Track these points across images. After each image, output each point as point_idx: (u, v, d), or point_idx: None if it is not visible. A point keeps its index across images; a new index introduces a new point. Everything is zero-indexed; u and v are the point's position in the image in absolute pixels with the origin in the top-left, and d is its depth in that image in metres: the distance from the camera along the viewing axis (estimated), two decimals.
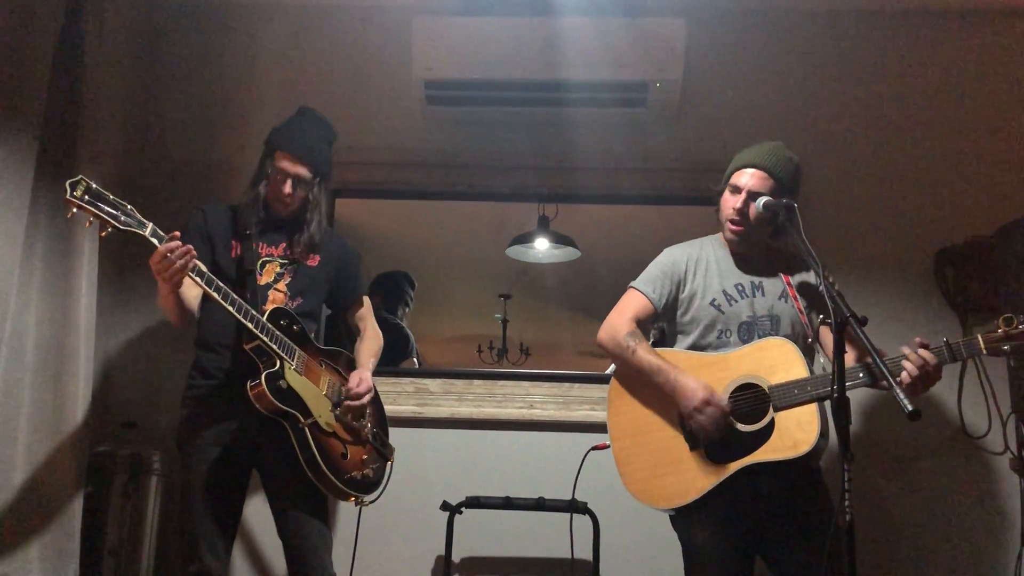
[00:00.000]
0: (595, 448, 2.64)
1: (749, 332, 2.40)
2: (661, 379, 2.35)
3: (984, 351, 2.17)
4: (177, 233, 2.21)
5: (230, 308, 2.28)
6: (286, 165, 2.53)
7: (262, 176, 2.55)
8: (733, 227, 2.44)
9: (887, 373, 1.93)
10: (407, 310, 4.34)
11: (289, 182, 2.53)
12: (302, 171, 2.55)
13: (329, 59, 3.63)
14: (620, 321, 2.47)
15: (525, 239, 4.53)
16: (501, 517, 3.04)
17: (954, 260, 3.26)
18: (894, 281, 3.31)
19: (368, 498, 2.57)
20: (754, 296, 2.43)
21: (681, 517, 2.38)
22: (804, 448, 2.19)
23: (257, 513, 2.73)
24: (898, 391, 1.88)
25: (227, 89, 3.61)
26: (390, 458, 2.70)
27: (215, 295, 2.27)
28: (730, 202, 2.44)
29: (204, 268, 2.29)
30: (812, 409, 2.22)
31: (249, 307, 2.34)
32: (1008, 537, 3.07)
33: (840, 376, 1.92)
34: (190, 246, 2.21)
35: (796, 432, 2.21)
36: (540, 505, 2.90)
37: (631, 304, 2.51)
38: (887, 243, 3.35)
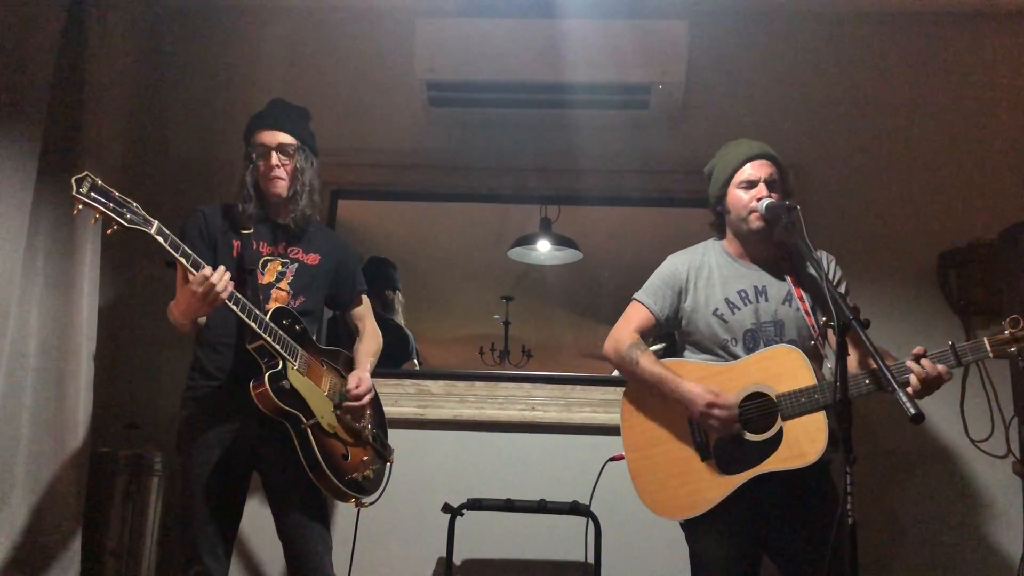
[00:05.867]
0: (612, 459, 2.64)
1: (754, 339, 2.38)
2: (665, 389, 2.35)
3: (991, 354, 2.15)
4: (222, 268, 2.25)
5: (234, 307, 2.28)
6: (266, 138, 2.53)
7: (247, 165, 2.55)
8: (758, 216, 2.38)
9: (890, 376, 1.92)
10: (398, 293, 4.28)
11: (274, 154, 2.52)
12: (283, 138, 2.54)
13: (331, 60, 3.63)
14: (623, 334, 2.47)
15: (527, 241, 4.53)
16: (502, 519, 3.04)
17: (957, 263, 3.26)
18: (897, 284, 3.30)
19: (367, 500, 2.57)
20: (758, 302, 2.41)
21: (691, 524, 2.38)
22: (812, 458, 2.18)
23: (257, 515, 2.73)
24: (900, 394, 1.87)
25: (229, 90, 3.61)
26: (389, 459, 2.70)
27: (241, 315, 2.29)
28: (746, 198, 2.40)
29: (207, 266, 2.29)
30: (820, 418, 2.21)
31: (252, 307, 2.33)
32: (1011, 540, 3.07)
33: (843, 378, 1.91)
34: (228, 276, 2.24)
35: (804, 442, 2.21)
36: (541, 507, 2.90)
37: (634, 316, 2.50)
38: (890, 246, 3.35)
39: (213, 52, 3.65)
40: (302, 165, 2.58)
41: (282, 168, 2.54)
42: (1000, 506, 3.11)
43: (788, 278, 2.44)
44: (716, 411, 2.26)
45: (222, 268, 2.26)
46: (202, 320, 2.49)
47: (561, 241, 4.51)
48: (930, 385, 2.16)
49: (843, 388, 1.91)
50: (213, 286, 2.21)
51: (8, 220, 2.67)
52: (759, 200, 2.37)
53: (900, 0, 3.47)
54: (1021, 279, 2.97)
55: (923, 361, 2.15)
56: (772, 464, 2.23)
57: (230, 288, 2.25)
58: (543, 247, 4.55)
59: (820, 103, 3.50)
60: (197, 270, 2.21)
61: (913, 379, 2.15)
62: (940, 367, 2.15)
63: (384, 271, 4.27)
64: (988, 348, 2.16)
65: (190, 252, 2.23)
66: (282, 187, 2.55)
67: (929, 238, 3.32)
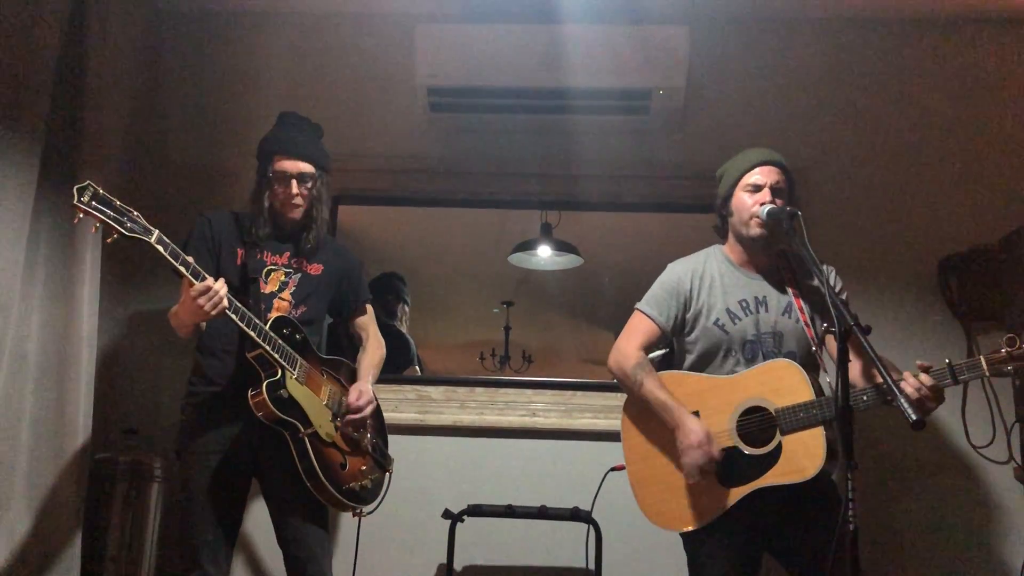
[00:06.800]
0: (613, 469, 2.64)
1: (753, 351, 2.39)
2: (666, 416, 2.35)
3: (987, 372, 2.15)
4: (222, 281, 2.25)
5: (234, 316, 2.28)
6: (287, 166, 2.53)
7: (265, 186, 2.55)
8: (760, 220, 2.38)
9: (891, 383, 1.92)
10: (406, 307, 4.30)
11: (294, 182, 2.53)
12: (304, 167, 2.56)
13: (332, 66, 3.63)
14: (628, 350, 2.46)
15: (527, 246, 4.53)
16: (503, 525, 3.03)
17: (957, 269, 3.25)
18: (897, 290, 3.30)
19: (366, 509, 2.57)
20: (758, 312, 2.41)
21: (689, 534, 2.38)
22: (810, 473, 2.19)
23: (257, 520, 2.73)
24: (902, 400, 1.88)
25: (230, 95, 3.61)
26: (389, 469, 2.69)
27: (239, 321, 2.29)
28: (750, 202, 2.41)
29: (235, 302, 2.30)
30: (818, 433, 2.22)
31: (252, 316, 2.33)
32: (1013, 545, 3.06)
33: (844, 384, 1.91)
34: (224, 289, 2.24)
35: (803, 457, 2.22)
36: (542, 513, 2.89)
37: (639, 329, 2.49)
38: (890, 252, 3.34)
39: (214, 57, 3.65)
40: (319, 190, 2.60)
41: (300, 196, 2.55)
42: (1002, 511, 3.10)
43: (789, 289, 2.44)
44: (697, 452, 2.25)
45: (223, 280, 2.27)
46: (203, 325, 2.50)
47: (561, 246, 4.50)
48: (925, 400, 2.13)
49: (844, 394, 1.91)
50: (215, 295, 2.22)
51: (9, 225, 2.67)
52: (761, 205, 2.38)
53: (901, 6, 3.47)
54: (1022, 284, 2.97)
55: (922, 376, 2.15)
56: (770, 478, 2.24)
57: (226, 302, 2.26)
58: (543, 252, 4.55)
59: (820, 109, 3.50)
60: (197, 279, 2.22)
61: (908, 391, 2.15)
62: (926, 378, 2.15)
63: (392, 284, 4.28)
64: (984, 367, 2.16)
65: (190, 261, 2.23)
66: (299, 212, 2.58)
67: (930, 244, 3.32)
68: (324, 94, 3.57)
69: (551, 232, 4.41)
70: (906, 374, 2.16)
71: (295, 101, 3.38)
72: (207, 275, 2.24)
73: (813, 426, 2.22)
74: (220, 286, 2.24)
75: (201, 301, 2.21)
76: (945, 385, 2.16)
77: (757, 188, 2.41)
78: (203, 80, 3.63)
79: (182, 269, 2.20)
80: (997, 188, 3.36)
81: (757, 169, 2.43)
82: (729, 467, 2.29)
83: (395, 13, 3.60)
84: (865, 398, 2.21)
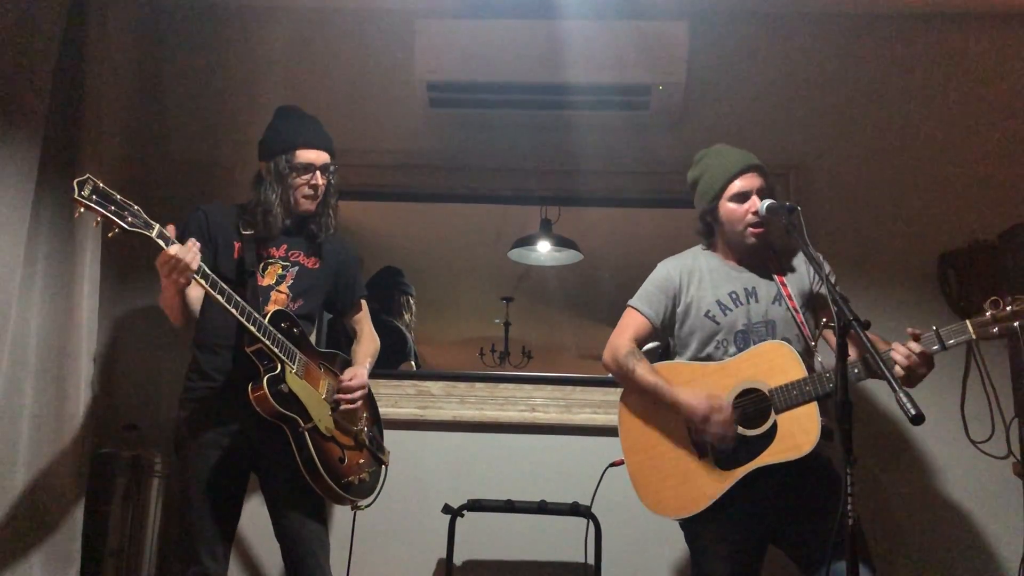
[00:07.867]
0: (612, 465, 2.65)
1: (745, 340, 2.41)
2: (661, 398, 2.38)
3: (973, 336, 2.17)
4: (193, 241, 2.24)
5: (233, 311, 2.28)
6: (312, 158, 2.55)
7: (286, 180, 2.53)
8: (755, 230, 2.43)
9: (891, 379, 1.92)
10: (410, 299, 4.29)
11: (318, 173, 2.55)
12: (326, 157, 2.58)
13: (331, 61, 3.63)
14: (620, 342, 2.51)
15: (527, 242, 4.54)
16: (503, 520, 3.04)
17: (957, 264, 3.26)
18: (896, 285, 3.30)
19: (364, 502, 2.57)
20: (748, 303, 2.44)
21: (690, 522, 2.39)
22: (806, 449, 2.21)
23: (256, 515, 2.73)
24: (901, 396, 1.87)
25: (229, 91, 3.61)
26: (386, 462, 2.70)
27: (218, 297, 2.27)
28: (740, 211, 2.44)
29: (207, 269, 2.29)
30: (812, 410, 2.24)
31: (251, 310, 2.33)
32: (1011, 542, 3.06)
33: (843, 382, 1.91)
34: (197, 247, 2.23)
35: (798, 434, 2.23)
36: (542, 508, 2.90)
37: (630, 324, 2.54)
38: (890, 247, 3.34)
39: (214, 52, 3.64)
40: (333, 180, 2.62)
41: (322, 186, 2.57)
42: (1000, 507, 3.10)
43: (776, 278, 2.48)
44: (715, 417, 2.28)
45: (191, 241, 2.23)
46: (197, 317, 2.50)
47: (561, 242, 4.51)
48: (913, 369, 2.17)
49: (843, 392, 1.90)
50: (179, 261, 2.18)
51: (8, 221, 2.67)
52: (761, 202, 2.41)
53: (900, 2, 3.46)
54: (1021, 280, 2.97)
55: (910, 344, 2.18)
56: (768, 457, 2.26)
57: (198, 259, 2.22)
58: (543, 248, 4.56)
59: (820, 104, 3.50)
60: (167, 245, 2.18)
61: (897, 368, 2.17)
62: (915, 345, 2.17)
63: (391, 279, 4.28)
64: (971, 330, 2.18)
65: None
66: (315, 204, 2.59)
67: (929, 239, 3.32)
68: (324, 89, 3.57)
69: (551, 228, 4.42)
70: (895, 344, 2.19)
71: (295, 95, 3.38)
72: (175, 241, 2.20)
73: (807, 402, 2.24)
74: (182, 250, 2.18)
75: (169, 266, 2.18)
76: (934, 351, 2.18)
77: (744, 196, 2.44)
78: (203, 74, 3.63)
79: (159, 240, 2.16)
80: (997, 183, 3.36)
81: (738, 179, 2.45)
82: (727, 450, 2.31)
83: (395, 8, 3.59)
84: (856, 370, 2.23)
